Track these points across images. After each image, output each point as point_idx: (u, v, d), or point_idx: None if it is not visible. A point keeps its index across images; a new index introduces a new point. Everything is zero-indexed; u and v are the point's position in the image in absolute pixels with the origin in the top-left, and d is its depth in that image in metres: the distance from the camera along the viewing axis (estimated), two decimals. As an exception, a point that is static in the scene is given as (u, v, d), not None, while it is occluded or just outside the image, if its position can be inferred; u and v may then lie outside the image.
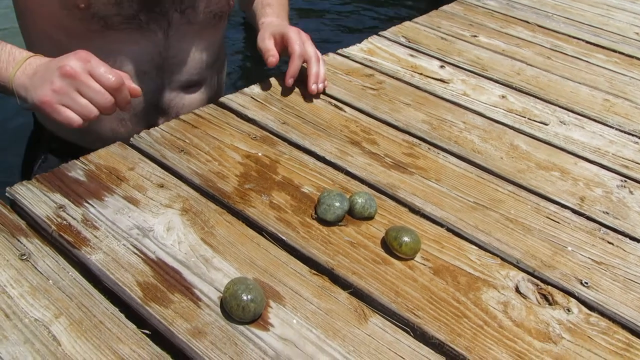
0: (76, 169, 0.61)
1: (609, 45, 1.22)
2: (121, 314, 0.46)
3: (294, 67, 0.78)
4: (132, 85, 0.62)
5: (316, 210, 0.59)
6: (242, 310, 0.46)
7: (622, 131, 0.88)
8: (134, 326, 0.46)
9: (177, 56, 0.80)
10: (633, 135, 0.87)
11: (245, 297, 0.46)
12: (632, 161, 0.80)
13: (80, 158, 0.63)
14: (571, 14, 1.38)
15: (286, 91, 0.82)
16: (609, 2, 1.53)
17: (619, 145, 0.84)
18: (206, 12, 0.79)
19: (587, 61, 1.12)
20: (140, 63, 0.77)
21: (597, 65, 1.11)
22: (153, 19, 0.74)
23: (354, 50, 0.99)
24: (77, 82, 0.58)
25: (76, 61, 0.59)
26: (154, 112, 0.82)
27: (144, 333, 0.45)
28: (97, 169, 0.62)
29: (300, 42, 0.78)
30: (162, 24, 0.76)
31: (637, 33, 1.32)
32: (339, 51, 0.98)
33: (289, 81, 0.79)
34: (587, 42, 1.22)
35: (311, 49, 0.80)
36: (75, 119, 0.59)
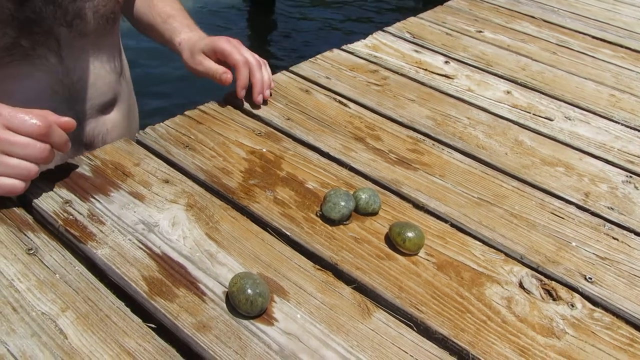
0: (82, 165, 0.61)
1: (616, 40, 1.21)
2: (127, 308, 0.47)
3: (243, 78, 0.73)
4: (62, 119, 0.54)
5: (321, 207, 0.59)
6: (250, 304, 0.46)
7: (627, 126, 0.87)
8: (140, 320, 0.46)
9: (82, 78, 0.69)
10: (639, 130, 0.87)
11: (252, 291, 0.47)
12: (638, 156, 0.80)
13: (85, 153, 0.63)
14: (577, 8, 1.37)
15: (290, 88, 0.83)
16: (616, -4, 1.51)
17: (624, 140, 0.83)
18: (97, 18, 0.68)
19: (593, 56, 1.11)
20: (42, 99, 0.66)
21: (603, 61, 1.10)
22: (38, 42, 0.63)
23: (358, 46, 0.99)
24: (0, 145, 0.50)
25: None
26: (78, 148, 0.72)
27: (149, 327, 0.46)
28: (102, 164, 0.62)
29: (238, 51, 0.73)
30: (50, 45, 0.64)
31: (644, 28, 1.31)
32: (343, 47, 0.98)
33: (242, 93, 0.74)
34: (594, 37, 1.21)
35: (250, 55, 0.74)
36: (15, 184, 0.52)
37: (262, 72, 0.75)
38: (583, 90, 0.97)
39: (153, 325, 0.46)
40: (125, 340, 0.44)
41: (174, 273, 0.50)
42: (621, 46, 1.19)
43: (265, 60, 0.77)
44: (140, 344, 0.44)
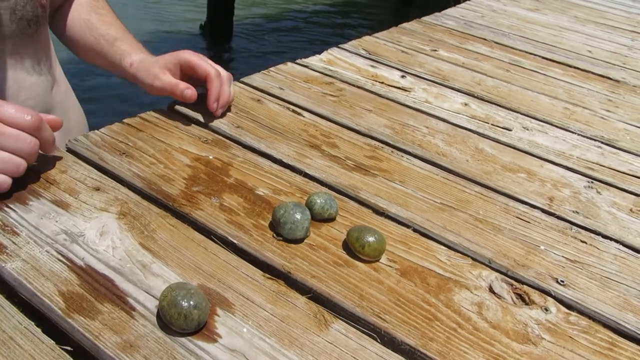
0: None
1: (565, 61, 1.24)
2: (37, 329, 0.39)
3: (216, 89, 0.67)
4: (50, 116, 0.52)
5: (278, 231, 0.52)
6: (183, 318, 0.40)
7: (584, 136, 0.87)
8: (52, 342, 0.38)
9: (5, 81, 0.63)
10: (595, 140, 0.86)
11: (186, 304, 0.40)
12: (597, 164, 0.79)
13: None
14: (526, 33, 1.41)
15: (241, 97, 0.78)
16: (561, 24, 1.58)
17: (582, 149, 0.83)
18: (14, 20, 0.62)
19: (544, 74, 1.13)
20: None
21: (555, 78, 1.12)
22: None
23: (313, 60, 0.97)
24: None
25: None
26: None
27: (63, 349, 0.38)
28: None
29: (207, 62, 0.68)
30: None
31: (589, 51, 1.36)
32: (297, 61, 0.95)
33: (215, 105, 0.68)
34: (543, 57, 1.24)
35: (219, 67, 0.70)
36: (2, 180, 0.48)
37: (230, 86, 0.70)
38: (538, 104, 0.97)
39: (69, 348, 0.38)
40: (31, 366, 0.36)
41: (98, 287, 0.43)
42: (570, 66, 1.22)
43: (231, 75, 0.71)
44: (50, 369, 0.36)
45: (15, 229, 0.47)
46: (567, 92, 1.05)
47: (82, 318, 0.40)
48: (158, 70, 0.68)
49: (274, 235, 0.52)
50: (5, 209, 0.49)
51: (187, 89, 0.67)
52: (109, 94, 2.70)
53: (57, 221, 0.49)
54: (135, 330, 0.40)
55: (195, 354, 0.39)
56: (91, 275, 0.44)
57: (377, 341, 0.43)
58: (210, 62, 0.69)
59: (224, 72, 0.69)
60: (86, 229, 0.49)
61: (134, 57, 0.71)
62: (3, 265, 0.44)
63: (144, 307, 0.42)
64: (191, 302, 0.40)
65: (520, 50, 1.26)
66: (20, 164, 0.49)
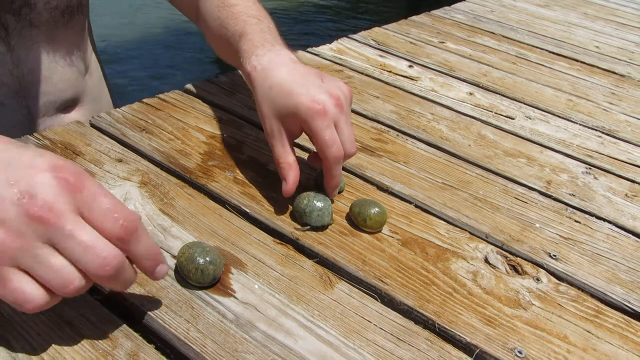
0: (29, 144, 0.58)
1: (571, 55, 1.26)
2: (68, 278, 0.43)
3: (337, 179, 0.53)
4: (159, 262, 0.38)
5: (305, 221, 0.52)
6: (200, 273, 0.43)
7: (585, 126, 0.90)
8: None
9: (34, 71, 0.64)
10: (596, 130, 0.89)
11: (202, 260, 0.44)
12: (596, 152, 0.81)
13: (34, 134, 0.60)
14: (534, 28, 1.43)
15: (254, 81, 0.82)
16: (570, 20, 1.59)
17: (582, 138, 0.85)
18: (49, 9, 0.63)
19: (550, 67, 1.15)
20: None
21: (560, 72, 1.14)
22: None
23: (323, 49, 1.00)
24: (53, 230, 0.32)
25: (56, 188, 0.32)
26: None
27: (95, 299, 0.42)
28: (51, 144, 0.59)
29: (332, 139, 0.50)
30: None
31: (597, 47, 1.38)
32: (308, 49, 0.98)
33: (335, 194, 0.55)
34: (550, 52, 1.26)
35: (351, 143, 0.52)
36: (34, 297, 0.33)
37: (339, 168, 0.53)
38: (542, 95, 0.99)
39: (98, 297, 0.42)
40: (63, 310, 0.40)
41: (122, 245, 0.47)
42: (576, 60, 1.24)
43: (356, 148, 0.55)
44: (82, 313, 0.40)
45: (46, 193, 0.51)
46: (571, 85, 1.07)
47: (108, 271, 0.44)
48: (270, 115, 0.53)
49: (300, 227, 0.53)
50: (37, 175, 0.53)
51: (287, 183, 0.52)
52: (138, 75, 2.80)
53: (84, 187, 0.53)
54: (156, 283, 0.44)
55: (211, 305, 0.43)
56: (116, 235, 0.48)
57: (378, 301, 0.47)
58: (344, 131, 0.52)
59: (352, 149, 0.53)
60: (111, 195, 0.53)
61: (258, 61, 0.55)
62: (37, 223, 0.48)
63: (164, 264, 0.46)
64: (207, 258, 0.44)
65: (527, 44, 1.28)
66: (71, 281, 0.33)
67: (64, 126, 0.62)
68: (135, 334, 0.40)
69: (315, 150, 0.54)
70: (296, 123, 0.52)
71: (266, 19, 0.63)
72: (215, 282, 0.44)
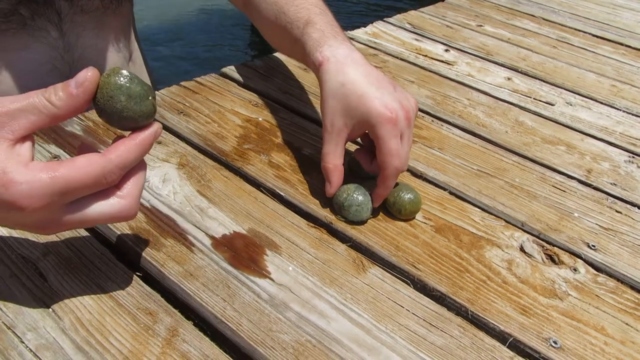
0: (73, 124, 0.60)
1: (616, 39, 1.21)
2: (111, 255, 0.45)
3: (385, 190, 0.52)
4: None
5: (343, 215, 0.52)
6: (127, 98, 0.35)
7: (629, 113, 0.86)
8: (124, 267, 0.44)
9: (84, 56, 0.65)
10: (641, 117, 0.86)
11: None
12: (640, 140, 0.78)
13: (78, 115, 0.62)
14: (577, 10, 1.38)
15: (288, 66, 0.82)
16: (615, 2, 1.52)
17: (626, 125, 0.82)
18: None
19: (593, 52, 1.11)
20: (40, 74, 0.61)
21: (604, 56, 1.10)
22: (38, 12, 0.60)
23: (358, 32, 0.99)
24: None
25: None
26: None
27: (136, 275, 0.44)
28: (94, 125, 0.61)
29: (397, 150, 0.49)
30: (51, 17, 0.61)
31: (643, 30, 1.31)
32: (343, 33, 0.97)
33: (378, 203, 0.53)
34: (594, 35, 1.21)
35: (406, 155, 0.51)
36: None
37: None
38: (584, 81, 0.96)
39: (138, 274, 0.44)
40: (108, 285, 0.42)
41: (162, 225, 0.49)
42: (621, 44, 1.19)
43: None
44: (124, 288, 0.42)
45: (89, 173, 0.53)
46: (615, 70, 1.03)
47: (149, 249, 0.46)
48: (335, 120, 0.52)
49: (338, 218, 0.52)
50: (81, 156, 0.55)
51: (330, 184, 0.53)
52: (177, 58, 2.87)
53: (125, 168, 0.55)
54: (194, 262, 0.45)
55: (247, 285, 0.44)
56: (156, 215, 0.50)
57: (410, 286, 0.47)
58: (398, 143, 0.50)
59: (404, 165, 0.51)
60: (150, 176, 0.54)
61: (326, 60, 0.53)
62: (81, 202, 0.50)
63: (202, 244, 0.47)
64: (145, 87, 0.36)
65: (569, 27, 1.23)
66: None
67: (106, 108, 0.64)
68: (175, 310, 0.41)
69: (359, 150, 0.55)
70: (361, 126, 0.51)
71: (329, 12, 0.61)
72: (154, 111, 0.37)
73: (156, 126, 0.38)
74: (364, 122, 0.50)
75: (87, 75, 0.35)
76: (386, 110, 0.49)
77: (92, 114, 0.62)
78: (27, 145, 0.35)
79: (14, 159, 0.33)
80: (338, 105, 0.51)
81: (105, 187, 0.36)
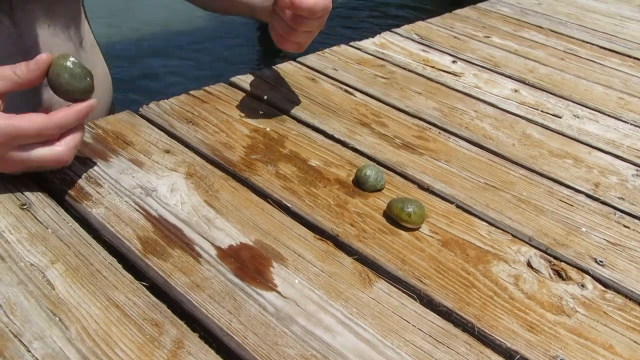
0: (83, 132, 0.61)
1: (624, 51, 1.21)
2: (119, 264, 0.45)
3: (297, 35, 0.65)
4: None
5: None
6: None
7: (637, 126, 0.86)
8: (131, 277, 0.44)
9: (37, 44, 0.66)
10: (649, 131, 0.85)
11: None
12: (648, 154, 0.78)
13: (88, 122, 0.62)
14: (584, 22, 1.38)
15: (296, 76, 0.82)
16: (623, 13, 1.52)
17: (634, 138, 0.82)
18: None
19: (601, 64, 1.11)
20: None
21: (612, 68, 1.10)
22: None
23: (366, 43, 0.99)
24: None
25: None
26: None
27: (142, 284, 0.44)
28: (104, 132, 0.61)
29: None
30: (3, 7, 0.62)
31: (652, 42, 1.31)
32: (351, 43, 0.98)
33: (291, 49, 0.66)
34: (601, 47, 1.21)
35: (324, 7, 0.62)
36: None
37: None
38: (591, 93, 0.96)
39: (145, 284, 0.44)
40: (115, 294, 0.42)
41: (169, 235, 0.49)
42: (629, 56, 1.18)
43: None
44: (130, 298, 0.42)
45: (98, 180, 0.54)
46: (623, 82, 1.03)
47: (156, 259, 0.46)
48: None
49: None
50: (90, 163, 0.56)
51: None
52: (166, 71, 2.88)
53: (133, 177, 0.55)
54: (201, 273, 0.45)
55: (253, 298, 0.44)
56: (163, 224, 0.50)
57: (417, 301, 0.47)
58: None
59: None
60: (158, 185, 0.55)
61: None
62: (89, 210, 0.50)
63: (208, 255, 0.47)
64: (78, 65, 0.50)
65: (577, 39, 1.23)
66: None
67: (115, 115, 0.65)
68: (181, 321, 0.41)
69: None
70: None
71: None
72: (91, 89, 0.51)
73: (92, 100, 0.51)
74: None
75: (43, 57, 0.49)
76: None
77: (102, 123, 0.63)
78: None
79: None
80: None
81: (46, 139, 0.48)
